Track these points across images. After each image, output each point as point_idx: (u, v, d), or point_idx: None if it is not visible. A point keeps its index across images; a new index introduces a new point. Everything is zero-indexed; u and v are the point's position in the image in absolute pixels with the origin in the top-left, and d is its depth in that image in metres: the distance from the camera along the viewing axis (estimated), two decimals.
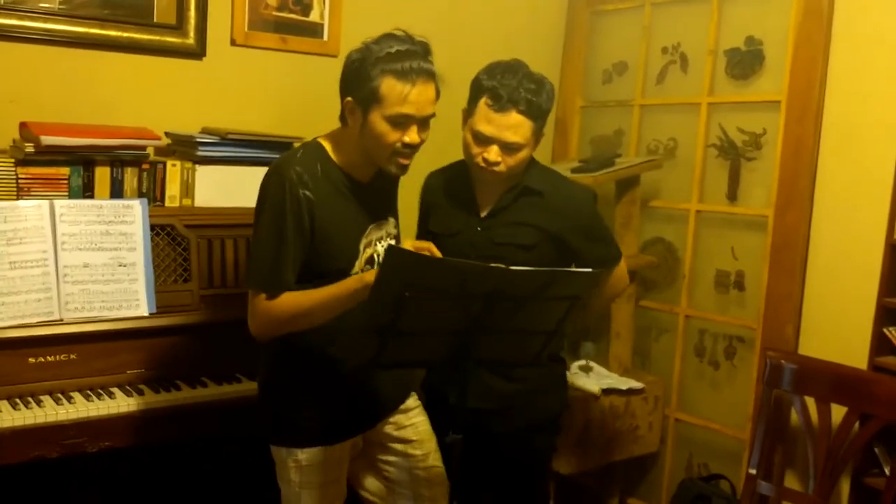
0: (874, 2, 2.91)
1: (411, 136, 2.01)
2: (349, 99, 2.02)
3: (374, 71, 1.96)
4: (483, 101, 2.22)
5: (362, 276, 1.94)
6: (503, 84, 2.19)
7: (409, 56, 1.97)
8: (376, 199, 2.17)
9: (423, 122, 2.04)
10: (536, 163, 2.42)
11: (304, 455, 2.13)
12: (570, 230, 2.34)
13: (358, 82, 1.99)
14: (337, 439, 2.18)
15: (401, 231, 2.32)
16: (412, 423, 2.34)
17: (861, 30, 2.94)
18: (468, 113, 2.28)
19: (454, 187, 2.44)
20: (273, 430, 2.18)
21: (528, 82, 2.20)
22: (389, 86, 1.96)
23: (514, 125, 2.19)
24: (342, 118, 2.08)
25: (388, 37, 2.02)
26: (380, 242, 2.16)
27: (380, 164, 2.07)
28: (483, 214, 2.37)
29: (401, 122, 1.99)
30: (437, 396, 2.46)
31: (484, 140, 2.23)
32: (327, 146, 2.11)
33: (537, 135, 2.26)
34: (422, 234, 2.54)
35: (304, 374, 2.14)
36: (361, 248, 2.12)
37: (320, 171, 2.05)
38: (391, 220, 2.24)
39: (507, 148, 2.22)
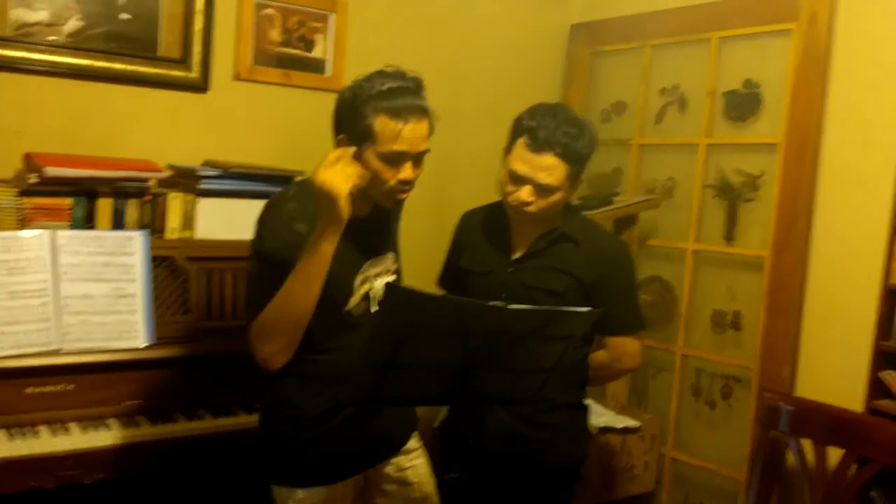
0: (871, 46, 2.94)
1: (406, 172, 2.00)
2: (342, 136, 2.02)
3: (367, 109, 1.96)
4: (521, 141, 2.22)
5: (319, 244, 1.88)
6: (542, 125, 2.18)
7: (402, 93, 1.98)
8: (373, 235, 2.16)
9: (418, 158, 2.03)
10: (576, 210, 2.42)
11: (304, 494, 2.11)
12: (602, 281, 2.31)
13: (351, 120, 1.99)
14: (338, 478, 2.16)
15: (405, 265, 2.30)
16: (413, 464, 2.31)
17: (858, 74, 2.98)
18: (507, 151, 2.28)
19: (490, 226, 2.44)
20: (274, 469, 2.16)
21: (568, 126, 2.20)
22: (383, 124, 1.95)
23: (548, 167, 2.19)
24: None
25: (380, 74, 2.02)
26: (377, 278, 2.15)
27: (376, 199, 2.07)
28: (516, 256, 2.36)
29: (395, 159, 1.98)
30: (455, 436, 2.43)
31: (518, 179, 2.22)
32: None
33: (573, 179, 2.25)
34: (449, 271, 2.54)
35: (305, 413, 2.12)
36: (357, 284, 2.10)
37: (312, 208, 2.02)
38: (390, 255, 2.22)
39: (541, 189, 2.21)
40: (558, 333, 1.87)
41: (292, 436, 2.13)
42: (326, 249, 1.89)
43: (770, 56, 3.25)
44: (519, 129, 2.25)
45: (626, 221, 3.44)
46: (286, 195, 2.07)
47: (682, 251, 3.50)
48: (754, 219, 3.29)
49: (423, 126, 2.00)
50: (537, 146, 2.18)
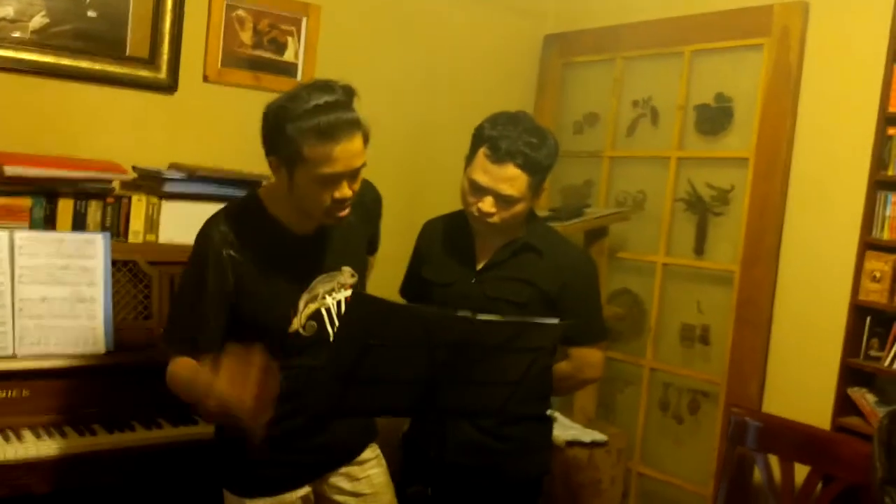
0: (842, 62, 2.96)
1: (342, 191, 1.90)
2: (272, 158, 1.91)
3: (294, 131, 1.82)
4: (482, 151, 2.18)
5: (212, 386, 1.74)
6: (503, 135, 2.15)
7: (328, 109, 1.83)
8: (322, 251, 2.07)
9: (353, 175, 1.93)
10: (539, 220, 2.39)
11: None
12: (565, 292, 2.28)
13: (278, 143, 1.87)
14: (286, 489, 2.11)
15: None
16: (367, 475, 2.25)
17: (829, 89, 2.99)
18: (468, 160, 2.24)
19: (453, 236, 2.40)
20: (225, 476, 2.14)
21: (529, 136, 2.16)
22: (311, 147, 1.82)
23: (509, 178, 2.15)
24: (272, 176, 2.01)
25: (305, 88, 1.88)
26: (329, 295, 2.07)
27: (315, 217, 1.98)
28: (479, 267, 2.33)
29: (329, 180, 1.87)
30: (417, 449, 2.39)
31: (480, 190, 2.19)
32: (266, 199, 2.03)
33: (535, 189, 2.21)
34: (411, 280, 2.50)
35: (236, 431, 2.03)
36: (302, 305, 2.03)
37: (252, 228, 1.97)
38: (346, 269, 2.11)
39: (502, 200, 2.17)
40: (527, 345, 1.84)
41: (241, 447, 2.06)
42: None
43: (742, 71, 3.26)
44: (480, 138, 2.21)
45: (596, 234, 3.43)
46: (220, 218, 1.99)
47: (651, 264, 3.49)
48: (724, 233, 3.29)
49: (355, 142, 1.87)
50: (498, 157, 2.14)
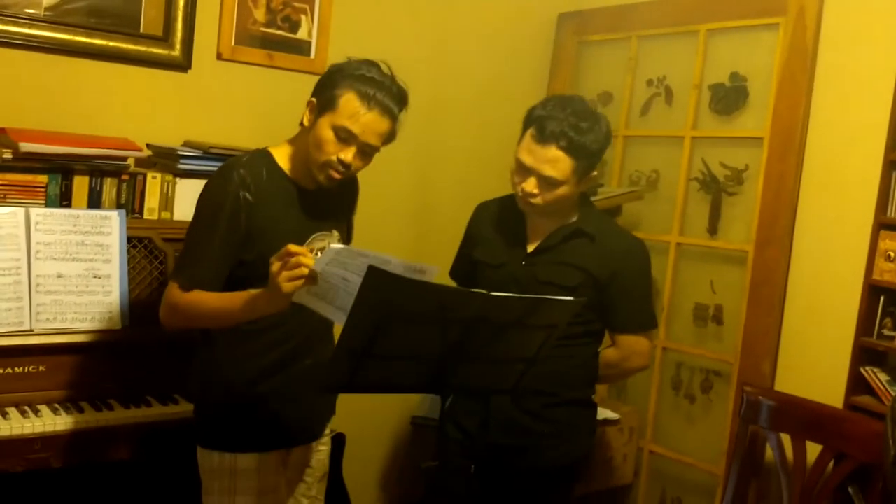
0: (858, 41, 2.94)
1: (346, 154, 2.04)
2: (313, 99, 2.09)
3: (343, 82, 2.03)
4: (529, 132, 2.19)
5: (252, 295, 1.93)
6: (551, 116, 2.15)
7: (380, 87, 2.03)
8: (323, 208, 2.18)
9: (364, 149, 2.06)
10: (592, 206, 2.39)
11: (238, 461, 2.13)
12: (615, 279, 2.27)
13: (326, 87, 2.06)
14: (268, 447, 2.17)
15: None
16: (318, 450, 2.36)
17: (845, 69, 2.97)
18: (519, 140, 2.24)
19: (505, 219, 2.40)
20: (206, 434, 2.18)
21: (578, 119, 2.15)
22: (348, 99, 2.01)
23: (552, 159, 2.15)
24: (301, 119, 2.12)
25: (373, 64, 2.08)
26: (322, 252, 2.14)
27: (312, 169, 2.09)
28: (530, 250, 2.33)
29: (343, 136, 2.02)
30: (457, 426, 2.37)
31: (524, 170, 2.19)
32: (277, 152, 2.16)
33: (580, 174, 2.20)
34: (462, 262, 2.51)
35: (237, 379, 2.14)
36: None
37: (265, 175, 2.09)
38: (335, 232, 2.23)
39: (545, 181, 2.17)
40: (540, 323, 1.84)
41: (225, 401, 2.15)
42: (258, 312, 1.93)
43: (757, 50, 3.24)
44: (530, 118, 2.21)
45: (610, 213, 3.42)
46: (239, 161, 2.10)
47: (665, 244, 3.48)
48: (738, 213, 3.28)
49: (383, 123, 2.05)
50: (543, 138, 2.14)
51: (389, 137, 2.10)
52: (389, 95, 2.04)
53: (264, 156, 2.14)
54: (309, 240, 2.14)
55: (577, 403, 2.38)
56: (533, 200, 2.21)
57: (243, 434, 2.14)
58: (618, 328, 2.37)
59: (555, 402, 2.29)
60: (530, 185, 2.19)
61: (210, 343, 2.16)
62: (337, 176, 2.07)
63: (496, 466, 2.27)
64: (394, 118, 2.07)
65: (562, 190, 2.19)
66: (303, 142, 2.11)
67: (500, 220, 2.42)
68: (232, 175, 2.05)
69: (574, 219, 2.31)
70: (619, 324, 2.34)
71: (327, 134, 2.02)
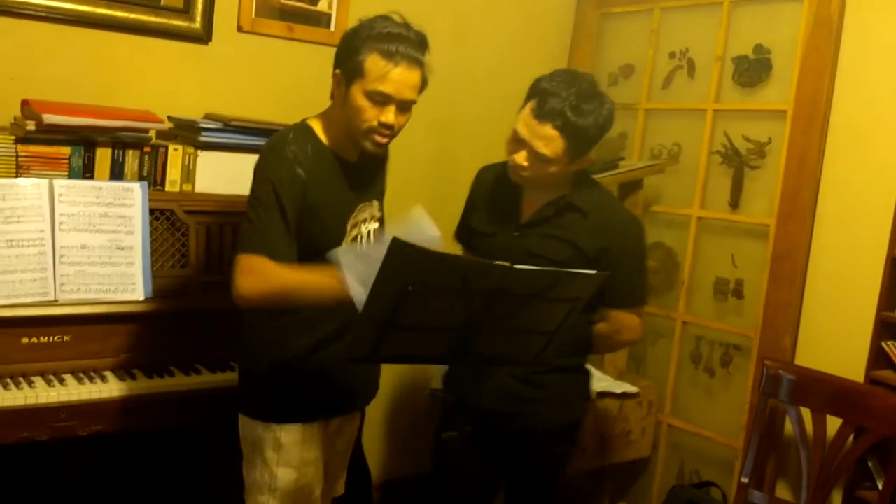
0: (884, 14, 2.90)
1: (387, 116, 2.02)
2: (337, 71, 2.06)
3: (363, 46, 1.99)
4: (531, 104, 2.16)
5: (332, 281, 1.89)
6: (554, 93, 2.11)
7: (399, 39, 1.99)
8: (364, 179, 2.18)
9: (403, 105, 2.04)
10: (589, 180, 2.37)
11: (282, 432, 2.13)
12: (605, 255, 2.25)
13: (346, 55, 2.03)
14: (313, 418, 2.18)
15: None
16: (354, 423, 2.40)
17: (870, 42, 2.94)
18: (520, 109, 2.22)
19: (502, 187, 2.38)
20: (251, 404, 2.19)
21: (580, 100, 2.11)
22: (373, 62, 1.98)
23: (545, 137, 2.13)
24: (332, 93, 2.11)
25: (385, 18, 2.04)
26: (364, 224, 2.17)
27: (357, 139, 2.07)
28: (523, 221, 2.33)
29: (379, 100, 2.00)
30: (455, 394, 2.42)
31: (518, 141, 2.18)
32: (316, 127, 2.13)
33: (572, 155, 2.17)
34: (463, 225, 2.51)
35: (288, 354, 2.14)
36: (349, 227, 2.13)
37: (311, 150, 2.07)
38: (375, 202, 2.24)
39: (536, 157, 2.16)
40: (563, 295, 1.84)
41: (273, 374, 2.15)
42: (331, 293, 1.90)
43: (781, 22, 3.20)
44: (534, 90, 2.18)
45: (630, 186, 3.40)
46: (286, 139, 2.07)
47: (686, 217, 3.47)
48: (760, 186, 3.25)
49: (413, 74, 2.02)
50: (541, 114, 2.12)
51: (423, 86, 2.07)
52: (410, 44, 2.01)
53: (307, 131, 2.12)
54: (355, 210, 2.14)
55: (568, 370, 2.39)
56: (523, 173, 2.21)
57: (290, 405, 2.15)
58: (608, 304, 2.36)
59: (545, 370, 2.29)
60: (521, 157, 2.18)
61: (259, 313, 2.14)
62: (383, 140, 2.06)
63: (490, 430, 2.28)
64: (421, 65, 2.03)
65: (551, 168, 2.18)
66: (337, 114, 2.10)
67: (497, 188, 2.41)
68: (285, 152, 2.03)
69: (567, 192, 2.30)
70: (609, 299, 2.32)
71: (362, 101, 2.00)
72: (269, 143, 2.10)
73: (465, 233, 2.50)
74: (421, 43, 2.04)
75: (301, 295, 1.99)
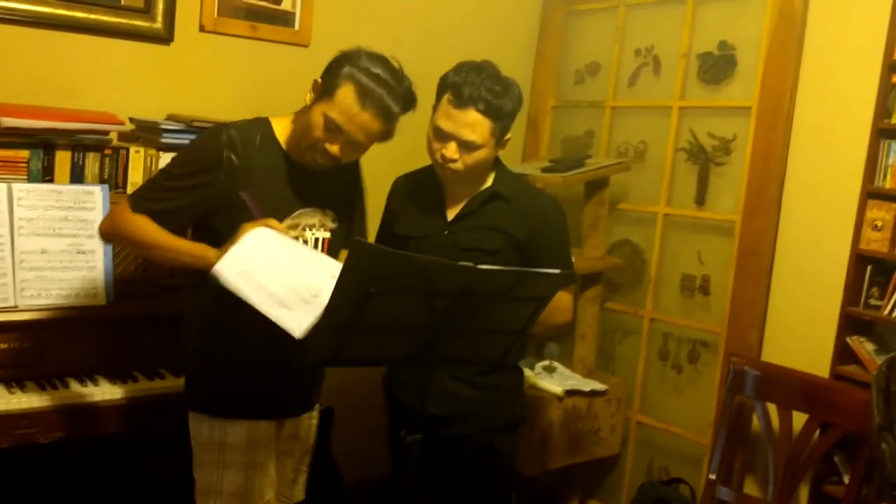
0: (847, 11, 2.92)
1: (333, 147, 2.02)
2: (318, 80, 2.04)
3: (346, 73, 1.98)
4: (446, 97, 2.21)
5: (206, 252, 1.94)
6: (466, 81, 2.18)
7: (383, 85, 1.98)
8: (316, 185, 2.14)
9: (352, 144, 2.03)
10: (506, 169, 2.41)
11: (229, 432, 2.11)
12: (534, 237, 2.31)
13: (330, 72, 2.02)
14: (261, 416, 2.15)
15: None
16: (307, 423, 2.33)
17: (834, 37, 2.96)
18: (434, 109, 2.27)
19: (423, 190, 2.42)
20: (197, 398, 2.16)
21: (492, 83, 2.19)
22: (345, 93, 1.97)
23: (471, 123, 2.18)
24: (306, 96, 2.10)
25: (383, 60, 2.03)
26: (310, 230, 2.15)
27: (301, 148, 2.06)
28: (450, 218, 2.35)
29: (332, 127, 1.99)
30: (397, 400, 2.44)
31: (443, 136, 2.22)
32: (276, 123, 2.13)
33: (498, 136, 2.24)
34: (382, 238, 2.50)
35: (234, 349, 2.10)
36: (283, 227, 2.07)
37: (258, 141, 2.07)
38: (330, 213, 2.19)
39: (465, 146, 2.20)
40: (529, 295, 1.84)
41: (217, 365, 2.13)
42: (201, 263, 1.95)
43: (745, 18, 3.22)
44: (444, 85, 2.24)
45: (597, 184, 3.41)
46: (234, 123, 2.09)
47: (652, 215, 3.48)
48: (726, 183, 3.27)
49: (375, 123, 2.00)
50: (461, 102, 2.17)
51: (383, 137, 2.06)
52: (392, 95, 1.99)
53: (262, 123, 2.12)
54: (293, 215, 2.11)
55: (507, 368, 2.39)
56: (453, 166, 2.23)
57: (234, 399, 2.12)
58: None
59: (485, 370, 2.32)
60: (450, 150, 2.21)
61: (203, 309, 2.13)
62: (323, 162, 2.05)
63: (441, 435, 2.28)
64: (390, 119, 2.02)
65: (481, 153, 2.23)
66: (300, 119, 2.08)
67: (418, 192, 2.44)
68: (221, 134, 2.04)
69: (489, 184, 2.34)
70: None
71: (318, 119, 1.99)
72: (215, 124, 2.13)
73: (387, 243, 2.47)
74: (405, 98, 2.03)
75: (149, 249, 2.05)
